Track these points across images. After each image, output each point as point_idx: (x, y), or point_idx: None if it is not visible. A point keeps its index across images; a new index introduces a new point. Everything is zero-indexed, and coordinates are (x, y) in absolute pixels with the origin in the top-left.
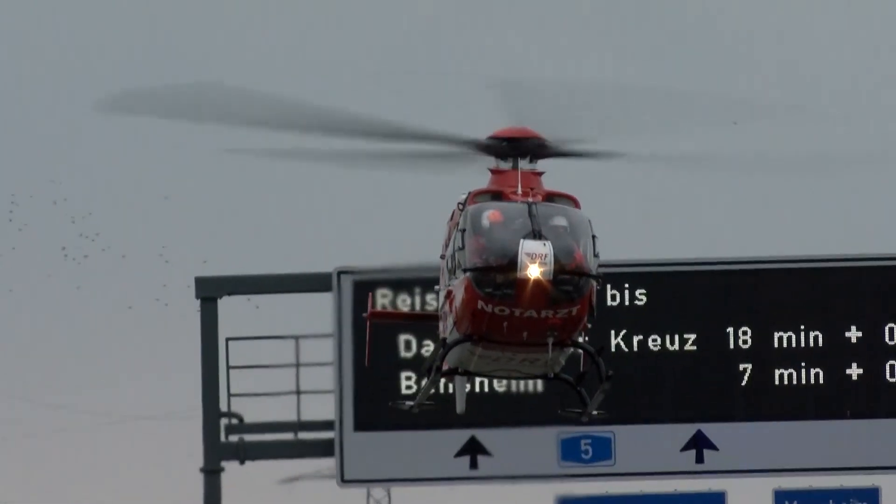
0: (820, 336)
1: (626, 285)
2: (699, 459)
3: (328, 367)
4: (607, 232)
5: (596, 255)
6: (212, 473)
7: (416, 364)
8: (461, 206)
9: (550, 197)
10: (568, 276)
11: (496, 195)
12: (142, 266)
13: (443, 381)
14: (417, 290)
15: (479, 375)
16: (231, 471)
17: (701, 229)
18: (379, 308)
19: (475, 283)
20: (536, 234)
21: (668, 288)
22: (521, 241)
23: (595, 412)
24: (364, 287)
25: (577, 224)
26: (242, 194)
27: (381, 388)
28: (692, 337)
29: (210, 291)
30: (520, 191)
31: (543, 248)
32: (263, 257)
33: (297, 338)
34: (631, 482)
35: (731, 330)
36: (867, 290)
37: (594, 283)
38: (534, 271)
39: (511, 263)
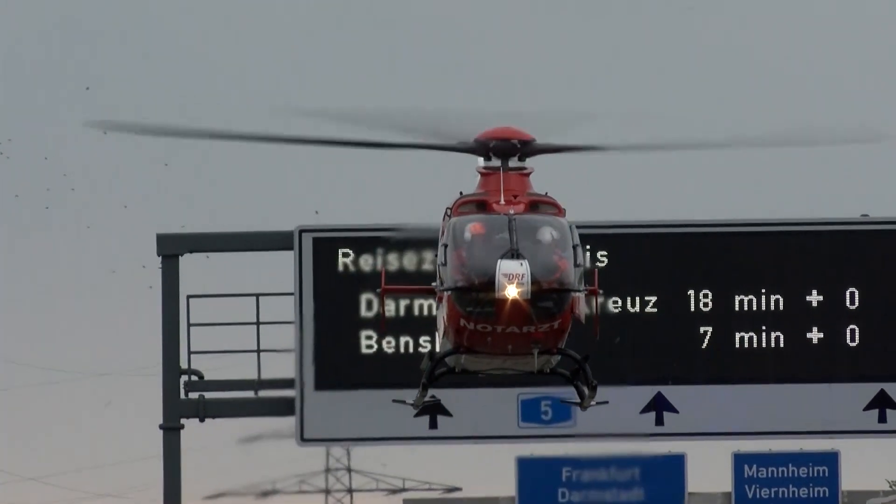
0: (781, 300)
1: (588, 247)
2: (659, 422)
3: (289, 325)
4: (569, 193)
5: (578, 266)
6: (171, 430)
7: (378, 324)
8: (449, 211)
9: (534, 204)
10: (546, 293)
11: (480, 204)
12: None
13: (406, 340)
14: (380, 250)
15: (474, 372)
16: (190, 428)
17: (664, 192)
18: (387, 284)
19: (456, 302)
20: (514, 254)
21: (630, 250)
22: (499, 261)
23: (594, 403)
24: (325, 245)
25: (557, 237)
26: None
27: (342, 348)
28: (653, 299)
29: (171, 249)
30: (502, 200)
31: (520, 268)
32: (225, 215)
33: (257, 296)
34: (590, 444)
35: (692, 292)
36: (828, 255)
37: (577, 294)
38: (511, 292)
39: (489, 284)
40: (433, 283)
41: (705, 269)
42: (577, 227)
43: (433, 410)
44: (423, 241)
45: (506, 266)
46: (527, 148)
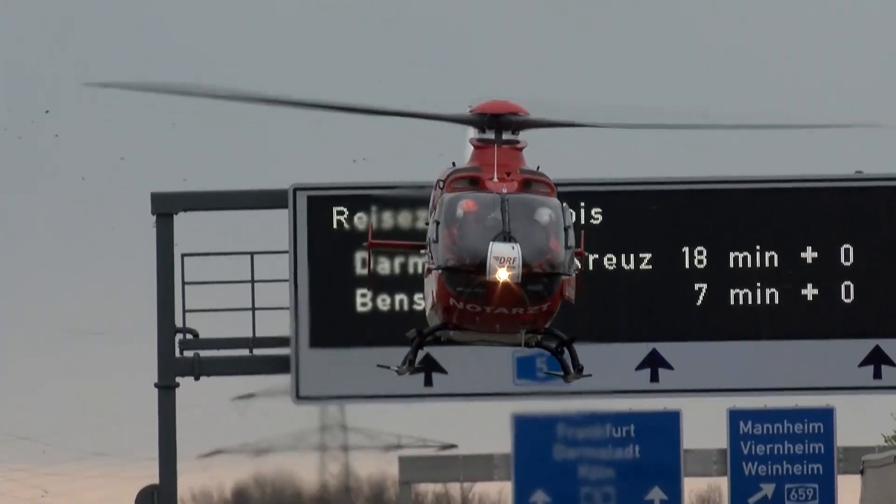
0: (776, 256)
1: (582, 204)
2: (654, 378)
3: (283, 283)
4: (565, 151)
5: (569, 248)
6: (166, 389)
7: (373, 281)
8: (441, 184)
9: (527, 182)
10: (536, 276)
11: (473, 180)
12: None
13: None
14: (374, 208)
15: (460, 343)
16: (186, 386)
17: (658, 148)
18: (375, 238)
19: (446, 281)
20: (506, 236)
21: (624, 207)
22: (491, 243)
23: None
24: (320, 203)
25: (549, 219)
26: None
27: (337, 305)
28: (648, 256)
29: (166, 207)
30: (496, 177)
31: (512, 251)
32: (220, 174)
33: (252, 254)
34: (586, 401)
35: (686, 250)
36: (822, 212)
37: (569, 276)
38: (502, 274)
39: (480, 266)
40: (422, 251)
41: (700, 227)
42: (572, 183)
43: (428, 368)
44: (417, 200)
45: (497, 249)
46: (521, 121)
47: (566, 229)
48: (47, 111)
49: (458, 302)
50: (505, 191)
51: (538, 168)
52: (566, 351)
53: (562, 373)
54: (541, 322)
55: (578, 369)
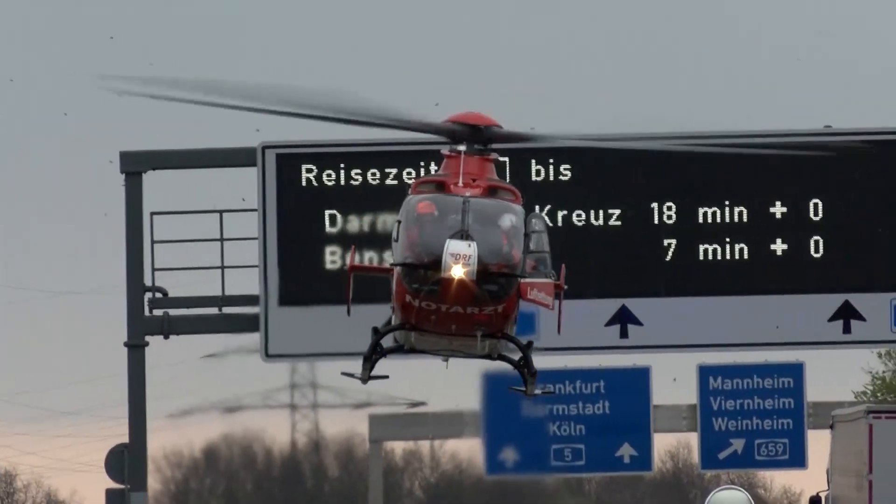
0: (745, 211)
1: (551, 160)
2: (623, 334)
3: (253, 241)
4: (533, 105)
5: (533, 252)
6: (135, 348)
7: (341, 239)
8: (409, 192)
9: (492, 189)
10: (492, 275)
11: (439, 185)
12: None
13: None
14: (342, 165)
15: (423, 352)
16: (155, 345)
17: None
18: (357, 262)
19: (403, 278)
20: (464, 235)
21: (593, 163)
22: (448, 241)
23: (538, 391)
24: (288, 161)
25: (509, 223)
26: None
27: (306, 263)
28: (617, 212)
29: (135, 166)
30: (461, 182)
31: (468, 248)
32: (188, 132)
33: (221, 212)
34: (555, 357)
35: (655, 205)
36: (791, 167)
37: (534, 280)
38: (457, 271)
39: (436, 263)
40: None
41: (669, 182)
42: (541, 139)
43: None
44: (385, 157)
45: (453, 246)
46: (491, 133)
47: (528, 234)
48: (11, 80)
49: (415, 300)
50: (468, 194)
51: (506, 181)
52: (524, 358)
53: (524, 389)
54: (497, 324)
55: (532, 374)
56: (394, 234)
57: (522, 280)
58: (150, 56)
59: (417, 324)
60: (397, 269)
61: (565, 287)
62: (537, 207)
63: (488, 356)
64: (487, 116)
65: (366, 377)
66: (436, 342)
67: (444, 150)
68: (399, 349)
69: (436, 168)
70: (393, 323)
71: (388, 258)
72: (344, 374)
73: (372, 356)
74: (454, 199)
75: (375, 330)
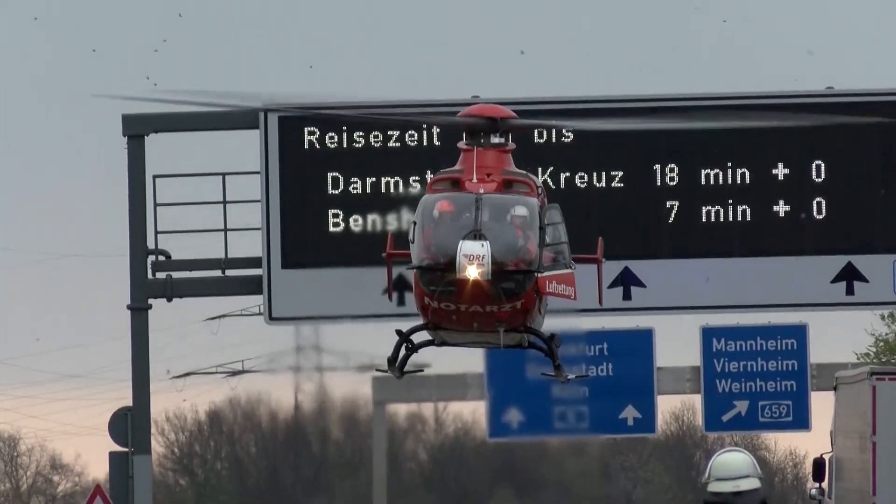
0: (747, 173)
1: (553, 122)
2: (626, 297)
3: (256, 204)
4: (537, 68)
5: (550, 244)
6: (139, 311)
7: (344, 201)
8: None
9: (507, 183)
10: (507, 273)
11: (455, 182)
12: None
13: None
14: (344, 128)
15: (452, 345)
16: (158, 308)
17: (630, 65)
18: (393, 249)
19: (420, 279)
20: (477, 235)
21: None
22: (461, 241)
23: (572, 376)
24: (290, 123)
25: (522, 218)
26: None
27: (309, 226)
28: (619, 174)
29: (137, 129)
30: (475, 178)
31: (481, 248)
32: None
33: (223, 175)
34: (558, 319)
35: (658, 167)
36: (793, 128)
37: (558, 272)
38: (472, 272)
39: (450, 265)
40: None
41: (671, 144)
42: (543, 101)
43: (402, 288)
44: (389, 120)
45: (467, 247)
46: (506, 125)
47: (544, 227)
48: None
49: (433, 301)
50: (482, 191)
51: (525, 173)
52: (549, 350)
53: (552, 374)
54: (518, 320)
55: (557, 366)
56: (410, 236)
57: (540, 274)
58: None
59: (439, 322)
60: (415, 272)
61: (603, 260)
62: (539, 170)
63: (518, 345)
64: (502, 108)
65: (399, 375)
66: (463, 337)
67: (461, 144)
68: (430, 343)
69: (439, 132)
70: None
71: (391, 221)
72: (378, 370)
73: (396, 357)
74: (468, 197)
75: (399, 332)
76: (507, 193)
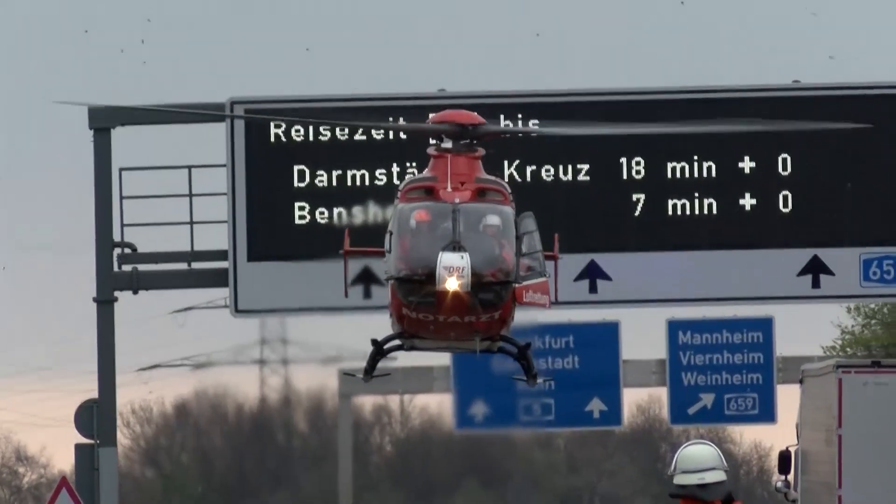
0: (713, 166)
1: (520, 115)
2: (592, 290)
3: (222, 197)
4: (503, 62)
5: (526, 254)
6: (105, 303)
7: (311, 194)
8: (398, 196)
9: (481, 191)
10: (487, 285)
11: (428, 190)
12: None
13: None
14: (311, 121)
15: (422, 350)
16: (124, 300)
17: (595, 60)
18: (349, 246)
19: (398, 290)
20: (455, 247)
21: (562, 118)
22: (440, 253)
23: (540, 381)
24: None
25: (499, 228)
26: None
27: (275, 219)
28: (585, 167)
29: (103, 122)
30: (449, 186)
31: (461, 260)
32: (157, 88)
33: (189, 168)
34: (524, 312)
35: (624, 160)
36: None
37: (532, 282)
38: (451, 284)
39: (430, 276)
40: (385, 262)
41: (637, 137)
42: (509, 95)
43: (367, 280)
44: (353, 112)
45: (447, 259)
46: (477, 131)
47: (521, 236)
48: None
49: (411, 311)
50: (457, 200)
51: (495, 177)
52: (523, 359)
53: (524, 377)
54: (494, 330)
55: (533, 376)
56: (386, 245)
57: (518, 284)
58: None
59: (416, 332)
60: (392, 283)
61: (560, 258)
62: (506, 163)
63: (488, 350)
64: (473, 114)
65: (367, 379)
66: (436, 344)
67: (431, 150)
68: (399, 348)
69: (404, 120)
70: (392, 331)
71: (357, 214)
72: (346, 373)
73: (372, 368)
74: (444, 207)
75: (375, 341)
76: (482, 202)
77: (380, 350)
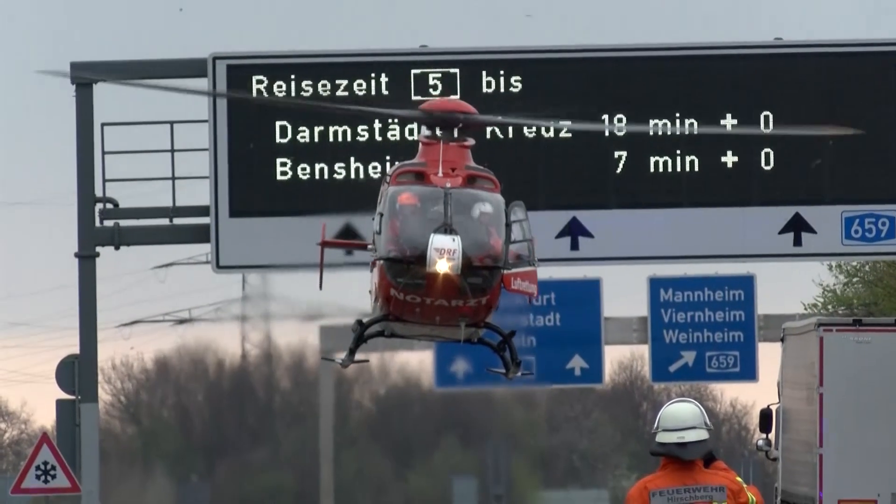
0: (695, 123)
1: (502, 72)
2: (574, 247)
3: (204, 152)
4: (488, 20)
5: (516, 241)
6: (86, 259)
7: (292, 150)
8: (388, 178)
9: (471, 178)
10: (476, 269)
11: (419, 175)
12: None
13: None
14: (293, 76)
15: (403, 337)
16: (106, 256)
17: (577, 16)
18: (329, 238)
19: (388, 272)
20: (447, 229)
21: (543, 75)
22: (432, 235)
23: (519, 374)
24: (239, 72)
25: (490, 214)
26: None
27: (257, 174)
28: (567, 124)
29: (86, 76)
30: (441, 172)
31: (452, 243)
32: (139, 43)
33: (172, 123)
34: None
35: (606, 117)
36: (742, 78)
37: (520, 270)
38: (442, 266)
39: (420, 258)
40: (369, 246)
41: (619, 94)
42: (491, 51)
43: (349, 236)
44: (336, 68)
45: (438, 241)
46: (469, 120)
47: (510, 224)
48: None
49: (399, 293)
50: (449, 185)
51: (484, 166)
52: (507, 347)
53: (503, 370)
54: (480, 315)
55: (517, 363)
56: (375, 227)
57: (506, 271)
58: None
59: (401, 315)
60: (381, 263)
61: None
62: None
63: (469, 341)
64: (464, 103)
65: (347, 364)
66: (418, 330)
67: (421, 137)
68: (380, 334)
69: (387, 81)
70: (377, 313)
71: (339, 170)
72: (325, 359)
73: (356, 349)
74: (436, 191)
75: (360, 322)
76: (473, 188)
77: (363, 333)
